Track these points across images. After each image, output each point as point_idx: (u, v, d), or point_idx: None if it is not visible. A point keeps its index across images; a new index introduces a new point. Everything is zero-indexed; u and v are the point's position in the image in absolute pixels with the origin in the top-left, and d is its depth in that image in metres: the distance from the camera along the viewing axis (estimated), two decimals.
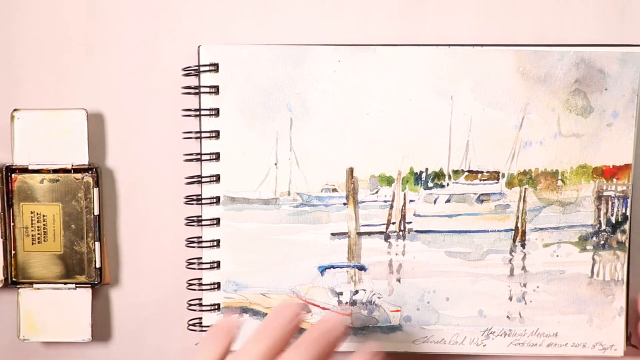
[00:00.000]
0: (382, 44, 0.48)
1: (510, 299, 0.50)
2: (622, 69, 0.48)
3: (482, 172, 0.49)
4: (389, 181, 0.49)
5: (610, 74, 0.48)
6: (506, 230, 0.49)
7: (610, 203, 0.49)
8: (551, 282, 0.49)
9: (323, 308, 0.49)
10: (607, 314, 0.49)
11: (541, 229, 0.49)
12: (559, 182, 0.49)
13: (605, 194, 0.49)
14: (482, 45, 0.48)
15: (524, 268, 0.49)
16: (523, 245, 0.49)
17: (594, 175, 0.49)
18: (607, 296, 0.49)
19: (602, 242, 0.49)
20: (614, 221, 0.49)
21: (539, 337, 0.50)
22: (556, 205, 0.49)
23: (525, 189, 0.49)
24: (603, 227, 0.49)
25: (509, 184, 0.49)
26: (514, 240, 0.49)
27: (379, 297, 0.49)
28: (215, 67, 0.48)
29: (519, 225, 0.49)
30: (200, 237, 0.49)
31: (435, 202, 0.49)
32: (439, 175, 0.49)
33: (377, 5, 0.49)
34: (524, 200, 0.49)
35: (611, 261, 0.49)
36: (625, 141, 0.48)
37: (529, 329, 0.50)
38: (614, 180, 0.49)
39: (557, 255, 0.49)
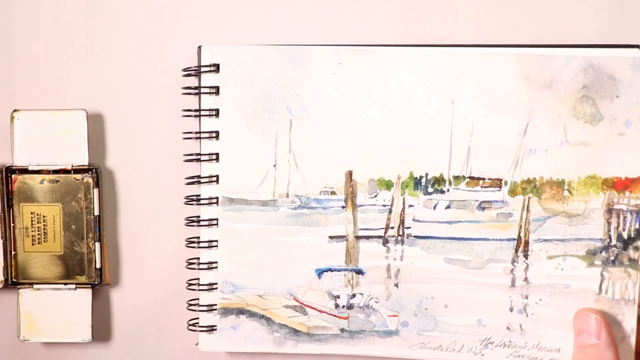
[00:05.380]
0: (383, 44, 0.43)
1: (511, 310, 0.43)
2: (635, 75, 0.41)
3: (483, 179, 0.43)
4: (388, 185, 0.44)
5: (622, 80, 0.41)
6: (508, 240, 0.43)
7: (622, 217, 0.42)
8: (555, 296, 0.43)
9: (320, 311, 0.45)
10: (616, 334, 0.42)
11: (545, 240, 0.43)
12: (565, 192, 0.42)
13: (616, 207, 0.42)
14: (482, 45, 0.42)
15: (526, 279, 0.43)
16: (526, 256, 0.43)
17: (604, 187, 0.42)
18: (616, 315, 0.42)
19: (612, 258, 0.42)
20: (625, 237, 0.42)
21: (540, 351, 0.43)
22: (562, 216, 0.42)
23: (529, 198, 0.42)
24: (613, 242, 0.42)
25: (512, 192, 0.43)
26: (516, 250, 0.43)
27: (376, 302, 0.45)
28: (215, 68, 0.43)
29: (522, 235, 0.43)
30: (200, 237, 0.45)
31: (435, 207, 0.43)
32: (439, 180, 0.43)
33: (378, 6, 0.44)
34: (528, 210, 0.43)
35: (622, 279, 0.42)
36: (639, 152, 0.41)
37: (530, 342, 0.44)
38: (627, 193, 0.42)
39: (562, 269, 0.43)
